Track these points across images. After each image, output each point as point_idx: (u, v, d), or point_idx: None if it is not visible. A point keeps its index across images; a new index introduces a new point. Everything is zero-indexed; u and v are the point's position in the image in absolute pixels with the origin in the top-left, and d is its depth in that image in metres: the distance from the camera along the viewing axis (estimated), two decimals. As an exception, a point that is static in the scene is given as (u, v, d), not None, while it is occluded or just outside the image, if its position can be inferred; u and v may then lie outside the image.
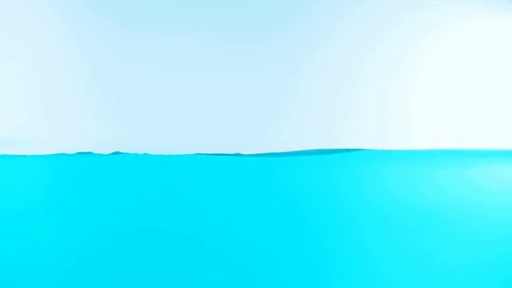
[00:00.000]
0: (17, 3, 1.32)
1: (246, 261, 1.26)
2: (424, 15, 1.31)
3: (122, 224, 1.27)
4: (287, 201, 1.27)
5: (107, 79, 1.31)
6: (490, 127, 1.30)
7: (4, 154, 1.28)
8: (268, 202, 1.27)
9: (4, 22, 1.32)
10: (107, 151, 1.29)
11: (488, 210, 1.28)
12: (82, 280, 1.26)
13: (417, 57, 1.31)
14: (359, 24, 1.31)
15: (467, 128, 1.30)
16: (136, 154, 1.28)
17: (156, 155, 1.28)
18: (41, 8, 1.32)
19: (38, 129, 1.30)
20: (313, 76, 1.30)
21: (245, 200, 1.27)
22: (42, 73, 1.31)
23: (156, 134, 1.30)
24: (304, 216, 1.27)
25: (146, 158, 1.28)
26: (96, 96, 1.30)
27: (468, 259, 1.27)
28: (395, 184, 1.28)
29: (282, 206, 1.27)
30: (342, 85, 1.30)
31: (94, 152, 1.28)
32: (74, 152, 1.29)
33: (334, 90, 1.30)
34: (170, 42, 1.30)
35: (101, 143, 1.29)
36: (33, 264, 1.26)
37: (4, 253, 1.26)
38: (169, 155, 1.27)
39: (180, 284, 1.25)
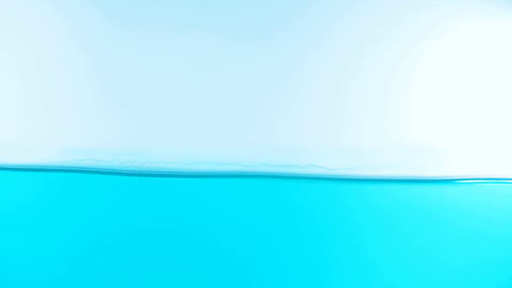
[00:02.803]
0: (17, 2, 1.32)
1: (245, 264, 1.26)
2: (424, 15, 1.31)
3: (120, 236, 1.27)
4: (287, 214, 1.27)
5: (107, 79, 1.30)
6: (490, 127, 1.30)
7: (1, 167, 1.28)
8: (269, 216, 1.27)
9: (3, 21, 1.32)
10: (107, 151, 1.29)
11: (488, 210, 1.28)
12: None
13: (416, 57, 1.30)
14: (359, 24, 1.31)
15: (467, 127, 1.30)
16: (135, 176, 1.27)
17: (153, 178, 1.27)
18: (41, 8, 1.32)
19: (38, 129, 1.30)
20: (312, 76, 1.30)
21: (245, 204, 1.27)
22: (42, 73, 1.31)
23: (155, 133, 1.29)
24: (303, 219, 1.27)
25: (144, 179, 1.28)
26: (96, 97, 1.30)
27: (467, 259, 1.27)
28: (394, 185, 1.28)
29: (282, 214, 1.27)
30: (342, 85, 1.30)
31: (94, 157, 1.28)
32: (74, 152, 1.29)
33: (334, 89, 1.30)
34: (170, 42, 1.30)
35: (101, 142, 1.29)
36: (32, 268, 1.26)
37: (3, 259, 1.27)
38: (164, 177, 1.27)
39: None
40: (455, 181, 1.28)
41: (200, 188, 1.27)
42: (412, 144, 1.28)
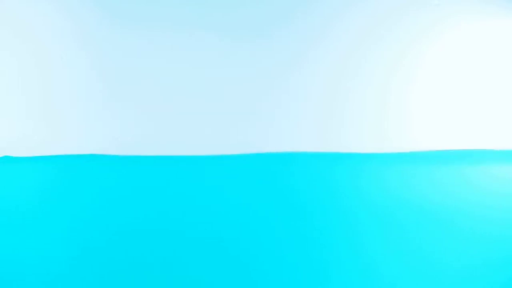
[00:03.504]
0: (17, 2, 1.32)
1: (244, 259, 1.26)
2: (424, 15, 1.31)
3: (122, 223, 1.27)
4: (286, 201, 1.27)
5: (107, 79, 1.30)
6: (490, 127, 1.30)
7: (7, 156, 1.28)
8: (267, 203, 1.27)
9: (3, 21, 1.32)
10: (107, 151, 1.29)
11: (488, 211, 1.28)
12: (81, 277, 1.26)
13: (416, 57, 1.31)
14: (359, 24, 1.31)
15: (467, 127, 1.30)
16: (135, 155, 1.28)
17: (154, 156, 1.27)
18: (41, 8, 1.32)
19: (38, 129, 1.30)
20: (312, 76, 1.30)
21: (247, 201, 1.27)
22: (42, 73, 1.31)
23: (155, 133, 1.30)
24: (304, 216, 1.27)
25: (143, 159, 1.28)
26: (96, 97, 1.30)
27: (468, 259, 1.27)
28: (394, 184, 1.28)
29: (281, 207, 1.27)
30: (342, 85, 1.30)
31: (95, 153, 1.28)
32: (73, 153, 1.29)
33: (334, 89, 1.30)
34: (170, 42, 1.30)
35: (101, 142, 1.29)
36: (33, 261, 1.27)
37: (7, 249, 1.27)
38: (166, 156, 1.27)
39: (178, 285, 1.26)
40: (455, 180, 1.28)
41: (196, 169, 1.27)
42: (412, 143, 1.29)
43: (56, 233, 1.26)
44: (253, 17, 1.31)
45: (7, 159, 1.28)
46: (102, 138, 1.29)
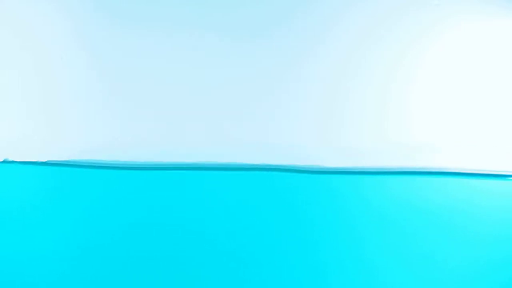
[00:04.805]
0: (17, 2, 1.32)
1: (242, 265, 1.26)
2: (424, 15, 1.31)
3: (118, 231, 1.27)
4: (285, 207, 1.27)
5: (107, 79, 1.30)
6: (490, 126, 1.30)
7: (5, 161, 1.28)
8: (266, 210, 1.27)
9: (3, 21, 1.32)
10: (107, 151, 1.29)
11: (488, 211, 1.28)
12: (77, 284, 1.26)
13: (416, 57, 1.31)
14: (359, 24, 1.31)
15: (468, 127, 1.30)
16: (131, 166, 1.27)
17: (153, 170, 1.27)
18: (41, 8, 1.32)
19: (38, 129, 1.30)
20: (312, 76, 1.30)
21: (243, 204, 1.27)
22: (41, 73, 1.31)
23: (156, 133, 1.29)
24: (303, 220, 1.27)
25: (141, 170, 1.28)
26: (96, 97, 1.30)
27: (467, 260, 1.27)
28: (394, 185, 1.28)
29: (279, 213, 1.27)
30: (342, 85, 1.30)
31: (93, 159, 1.28)
32: (73, 154, 1.29)
33: (334, 89, 1.30)
34: (170, 42, 1.30)
35: (101, 143, 1.29)
36: (32, 264, 1.26)
37: (4, 256, 1.26)
38: (165, 168, 1.27)
39: None
40: (455, 180, 1.28)
41: (198, 181, 1.27)
42: (412, 143, 1.28)
43: (51, 241, 1.26)
44: (253, 17, 1.30)
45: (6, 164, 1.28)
46: (102, 138, 1.29)
